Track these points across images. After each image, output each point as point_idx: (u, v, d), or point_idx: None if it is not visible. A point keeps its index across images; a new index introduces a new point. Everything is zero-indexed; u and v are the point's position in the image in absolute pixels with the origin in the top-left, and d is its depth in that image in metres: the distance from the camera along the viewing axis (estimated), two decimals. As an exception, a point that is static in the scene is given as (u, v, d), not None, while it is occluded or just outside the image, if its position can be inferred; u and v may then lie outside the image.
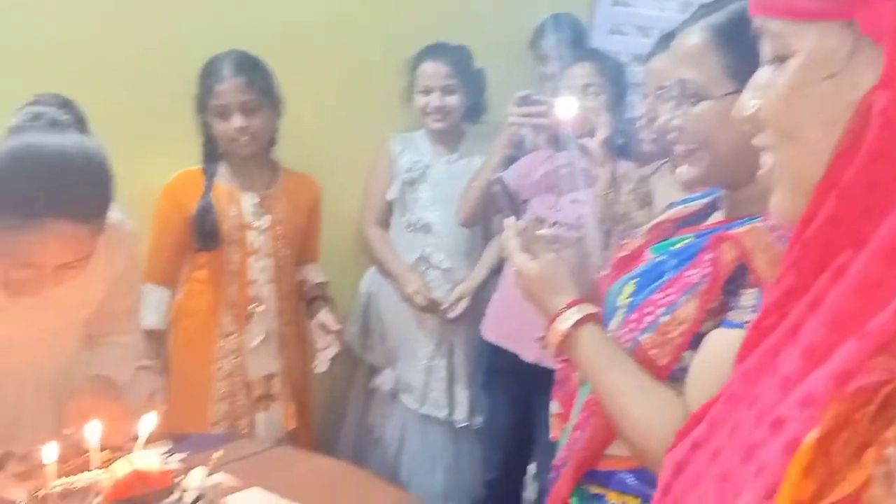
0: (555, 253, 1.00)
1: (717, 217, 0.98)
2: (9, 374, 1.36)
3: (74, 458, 1.19)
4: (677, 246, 0.96)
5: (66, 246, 1.16)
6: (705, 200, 1.02)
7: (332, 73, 2.15)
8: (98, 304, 1.42)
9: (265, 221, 1.91)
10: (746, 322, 0.82)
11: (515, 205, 1.21)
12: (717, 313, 0.86)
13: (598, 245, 1.46)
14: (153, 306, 1.83)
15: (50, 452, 1.09)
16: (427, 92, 2.11)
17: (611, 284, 1.04)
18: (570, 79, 1.82)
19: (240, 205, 1.88)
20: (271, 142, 1.93)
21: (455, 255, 2.15)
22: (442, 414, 2.12)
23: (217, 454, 1.19)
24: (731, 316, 0.85)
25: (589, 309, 0.95)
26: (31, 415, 1.40)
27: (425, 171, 2.16)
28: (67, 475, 1.13)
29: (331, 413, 2.23)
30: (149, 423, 1.22)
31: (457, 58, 2.12)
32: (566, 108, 1.61)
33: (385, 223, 2.22)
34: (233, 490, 1.33)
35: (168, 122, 1.92)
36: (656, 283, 0.93)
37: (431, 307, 2.07)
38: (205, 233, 1.83)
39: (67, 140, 1.15)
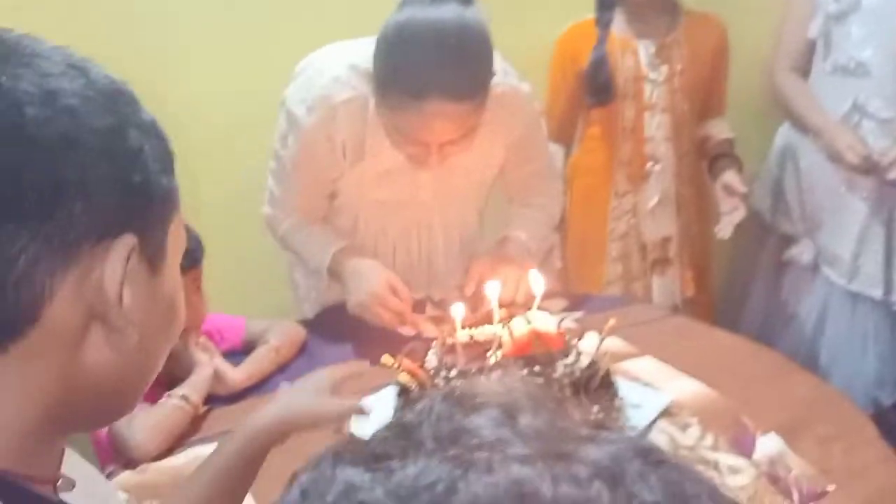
0: None
1: None
2: (423, 230, 1.48)
3: (478, 312, 1.25)
4: None
5: (446, 124, 1.16)
6: None
7: None
8: (500, 168, 1.45)
9: (663, 72, 1.74)
10: None
11: None
12: None
13: None
14: None
15: (459, 307, 1.16)
16: None
17: None
18: None
19: (636, 55, 1.74)
20: None
21: (899, 102, 1.72)
22: (876, 293, 1.78)
23: (611, 322, 1.14)
24: None
25: None
26: (444, 266, 1.52)
27: (858, 1, 1.73)
28: (472, 327, 1.19)
29: (733, 285, 2.05)
30: (543, 283, 1.21)
31: None
32: None
33: (803, 68, 1.86)
34: (626, 357, 1.29)
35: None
36: None
37: (867, 165, 1.70)
38: (598, 87, 1.73)
39: (447, 15, 1.12)
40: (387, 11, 1.18)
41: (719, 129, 1.85)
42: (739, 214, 1.71)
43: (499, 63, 1.23)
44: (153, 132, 0.49)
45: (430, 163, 1.24)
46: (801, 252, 1.86)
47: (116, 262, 0.45)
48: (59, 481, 0.52)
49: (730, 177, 1.74)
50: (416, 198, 1.42)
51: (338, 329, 1.40)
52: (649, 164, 1.79)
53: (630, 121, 1.77)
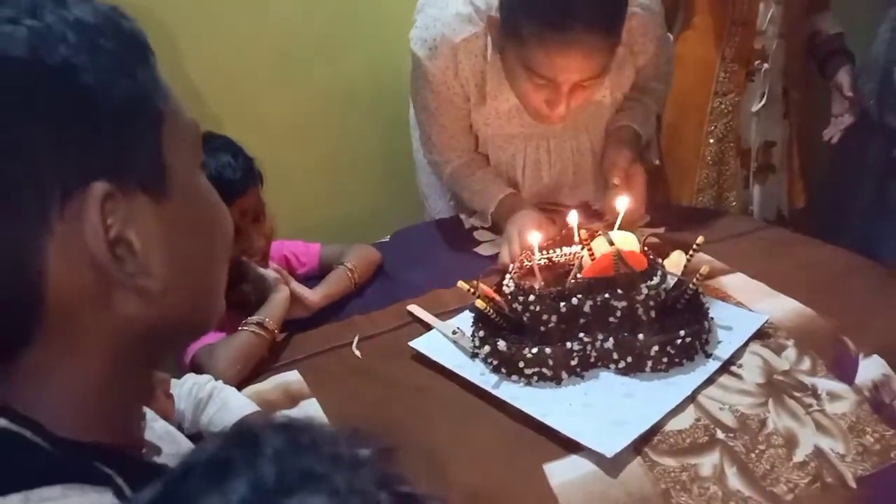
0: None
1: None
2: (555, 158, 1.46)
3: (558, 233, 1.20)
4: None
5: (584, 60, 1.12)
6: None
7: None
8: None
9: None
10: None
11: None
12: None
13: None
14: None
15: (535, 236, 1.11)
16: None
17: None
18: None
19: None
20: None
21: None
22: None
23: (700, 239, 1.07)
24: None
25: None
26: (573, 185, 1.50)
27: None
28: (552, 248, 1.15)
29: (836, 190, 1.90)
30: (625, 202, 1.15)
31: None
32: None
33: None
34: (716, 274, 1.22)
35: None
36: None
37: None
38: None
39: None
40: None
41: (828, 24, 1.67)
42: (849, 118, 1.58)
43: None
44: (94, 27, 0.40)
45: (557, 115, 1.21)
46: (913, 149, 1.70)
47: (92, 218, 0.39)
48: (144, 450, 0.51)
49: (842, 77, 1.60)
50: (548, 129, 1.39)
51: (413, 251, 1.39)
52: (757, 63, 1.64)
53: (743, 12, 1.60)
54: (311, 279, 1.27)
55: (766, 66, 1.64)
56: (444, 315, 1.17)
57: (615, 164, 1.32)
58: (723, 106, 1.68)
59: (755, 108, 1.67)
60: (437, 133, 1.40)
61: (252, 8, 1.62)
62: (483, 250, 1.37)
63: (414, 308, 1.20)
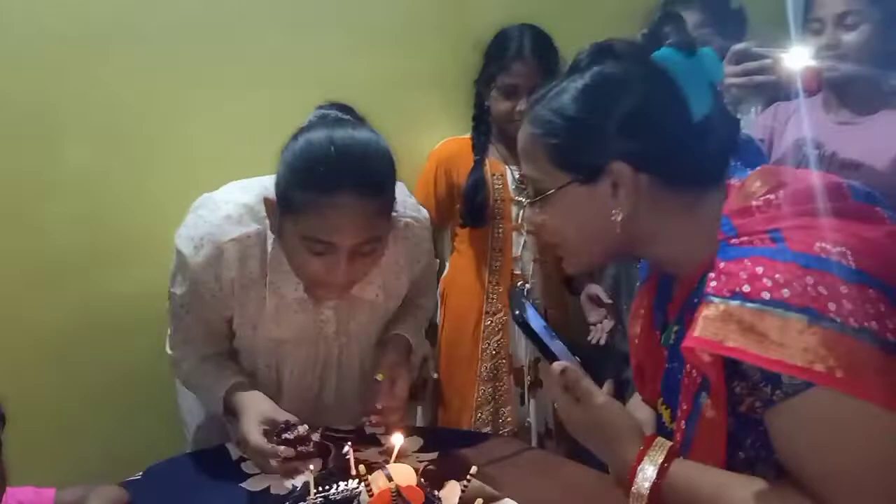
0: (603, 396, 0.92)
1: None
2: (321, 365, 1.44)
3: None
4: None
5: (357, 221, 1.18)
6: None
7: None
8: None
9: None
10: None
11: (545, 341, 0.97)
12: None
13: None
14: None
15: (316, 464, 1.07)
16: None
17: None
18: (821, 8, 1.50)
19: (504, 178, 1.82)
20: None
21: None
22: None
23: (473, 469, 1.09)
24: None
25: (663, 446, 0.87)
26: (339, 398, 1.47)
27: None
28: (326, 483, 1.10)
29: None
30: (400, 437, 1.15)
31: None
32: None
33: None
34: (487, 502, 1.24)
35: (431, 93, 1.93)
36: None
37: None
38: (474, 208, 1.79)
39: (355, 130, 1.21)
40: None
41: None
42: (609, 323, 1.80)
43: (402, 193, 1.27)
44: None
45: (337, 281, 1.21)
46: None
47: None
48: None
49: (594, 288, 1.84)
50: (319, 334, 1.39)
51: (170, 489, 1.24)
52: (519, 283, 1.84)
53: (499, 241, 1.83)
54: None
55: (527, 285, 1.84)
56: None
57: (381, 363, 1.37)
58: (493, 324, 1.84)
59: None
60: (184, 329, 1.36)
61: (21, 223, 1.55)
62: (251, 485, 1.27)
63: (169, 561, 1.05)
